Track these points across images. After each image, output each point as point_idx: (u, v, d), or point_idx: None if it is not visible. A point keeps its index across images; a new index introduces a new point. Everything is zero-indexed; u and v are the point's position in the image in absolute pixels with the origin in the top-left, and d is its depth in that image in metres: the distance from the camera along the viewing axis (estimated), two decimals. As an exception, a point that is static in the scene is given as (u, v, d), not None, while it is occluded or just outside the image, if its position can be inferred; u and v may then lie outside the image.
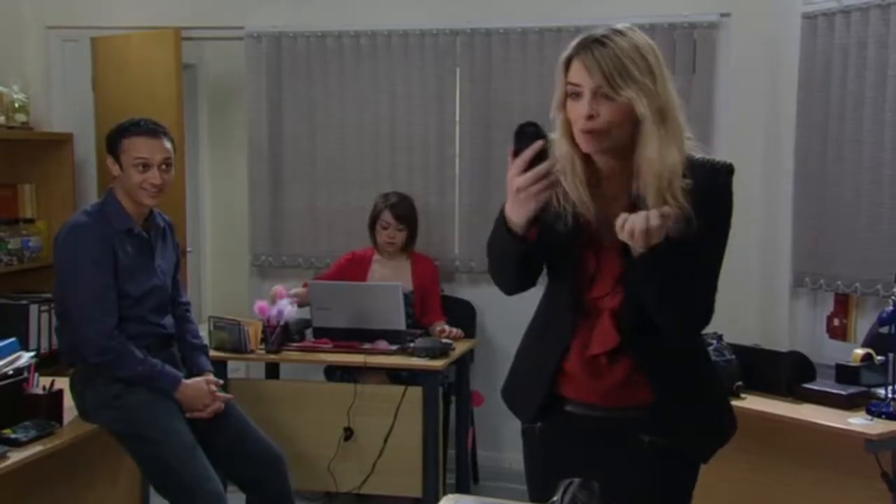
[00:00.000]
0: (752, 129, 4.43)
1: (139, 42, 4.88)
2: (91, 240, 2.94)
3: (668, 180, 1.77)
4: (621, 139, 1.80)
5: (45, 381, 2.96)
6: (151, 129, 3.05)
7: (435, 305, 4.44)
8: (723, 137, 4.45)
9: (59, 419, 2.88)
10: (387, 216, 4.39)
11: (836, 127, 3.99)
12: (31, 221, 4.75)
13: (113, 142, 3.06)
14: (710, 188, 1.85)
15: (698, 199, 1.79)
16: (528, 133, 1.74)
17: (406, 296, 4.24)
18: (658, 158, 1.76)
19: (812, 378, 3.14)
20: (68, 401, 2.99)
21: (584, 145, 1.81)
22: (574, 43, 1.81)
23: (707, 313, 1.88)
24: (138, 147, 3.01)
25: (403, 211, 4.42)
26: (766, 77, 4.42)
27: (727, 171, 1.89)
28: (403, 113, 4.75)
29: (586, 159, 1.86)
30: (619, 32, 1.80)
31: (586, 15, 4.44)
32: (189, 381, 3.08)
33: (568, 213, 1.86)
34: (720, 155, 4.57)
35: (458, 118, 4.74)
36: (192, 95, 6.39)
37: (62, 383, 2.99)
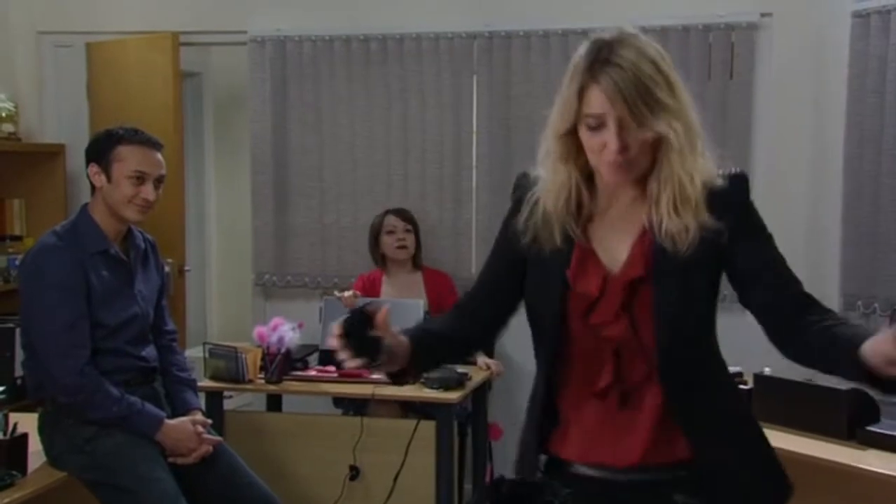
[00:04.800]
0: (797, 139, 4.12)
1: (136, 47, 4.63)
2: (59, 263, 2.63)
3: (695, 198, 1.64)
4: (645, 167, 1.65)
5: (16, 418, 2.64)
6: (152, 141, 2.83)
7: None
8: (764, 149, 4.15)
9: (23, 468, 2.55)
10: (391, 220, 4.25)
11: (891, 136, 3.68)
12: (18, 238, 4.51)
13: (103, 149, 2.77)
14: (739, 198, 1.70)
15: (732, 210, 1.66)
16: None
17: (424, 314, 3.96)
18: (688, 177, 1.63)
19: (876, 419, 2.79)
20: (36, 444, 2.66)
21: (612, 176, 1.65)
22: (582, 66, 1.61)
23: None
24: (137, 158, 2.76)
25: (407, 214, 4.30)
26: (811, 82, 4.11)
27: (742, 180, 1.72)
28: (417, 122, 4.48)
29: (588, 184, 1.71)
30: (627, 44, 1.61)
31: (613, 16, 4.09)
32: (173, 422, 2.76)
33: (555, 243, 1.70)
34: (761, 169, 4.25)
35: (475, 127, 4.46)
36: (197, 105, 6.15)
37: (30, 424, 2.67)
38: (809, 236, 4.03)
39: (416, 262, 4.29)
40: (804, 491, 1.99)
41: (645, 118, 1.57)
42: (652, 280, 1.64)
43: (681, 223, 1.62)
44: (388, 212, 4.28)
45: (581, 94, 1.59)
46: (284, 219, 4.64)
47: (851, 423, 2.76)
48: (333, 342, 1.62)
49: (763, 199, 2.14)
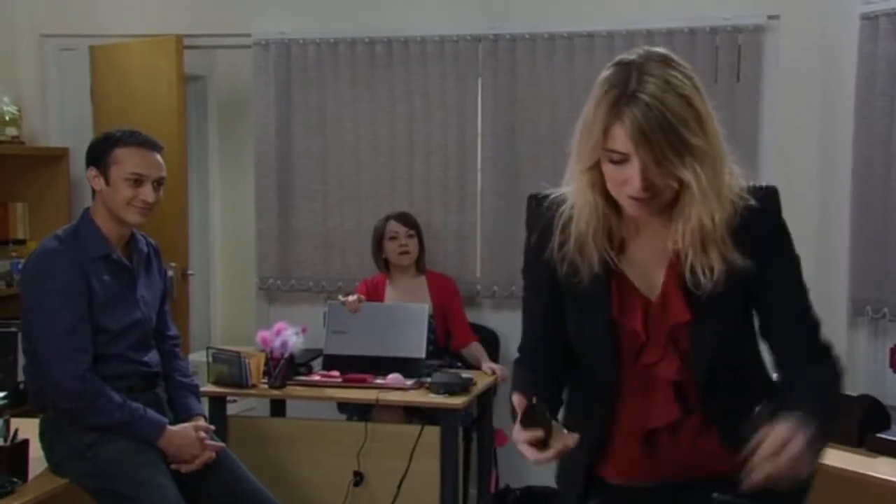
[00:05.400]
0: (804, 142, 4.07)
1: (140, 50, 4.61)
2: (61, 268, 2.60)
3: (719, 236, 1.58)
4: (669, 199, 1.58)
5: (17, 424, 2.61)
6: (149, 142, 2.79)
7: (461, 325, 4.17)
8: (771, 153, 4.11)
9: (24, 475, 2.52)
10: (393, 225, 4.20)
11: (900, 139, 3.63)
12: (21, 242, 4.49)
13: (101, 152, 2.75)
14: (770, 220, 1.65)
15: (762, 234, 1.62)
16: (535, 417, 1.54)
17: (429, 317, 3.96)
18: (709, 218, 1.56)
19: (886, 426, 2.77)
20: (37, 450, 2.64)
21: (634, 211, 1.59)
22: (608, 100, 1.50)
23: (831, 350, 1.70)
24: (135, 160, 2.73)
25: (409, 218, 4.24)
26: (819, 85, 4.05)
27: (774, 197, 1.66)
28: (421, 125, 4.45)
29: (615, 210, 1.64)
30: (655, 74, 1.49)
31: (620, 19, 4.14)
32: (175, 428, 2.73)
33: (593, 270, 1.64)
34: (768, 173, 4.16)
35: (480, 131, 4.42)
36: (200, 108, 6.14)
37: (31, 430, 2.64)
38: (817, 241, 3.98)
39: (419, 266, 4.25)
40: (813, 498, 1.96)
41: (669, 163, 1.48)
42: (691, 319, 1.61)
43: (707, 261, 1.58)
44: (389, 217, 4.23)
45: (605, 131, 1.51)
46: (288, 222, 4.61)
47: (861, 430, 2.74)
48: (528, 453, 1.54)
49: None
